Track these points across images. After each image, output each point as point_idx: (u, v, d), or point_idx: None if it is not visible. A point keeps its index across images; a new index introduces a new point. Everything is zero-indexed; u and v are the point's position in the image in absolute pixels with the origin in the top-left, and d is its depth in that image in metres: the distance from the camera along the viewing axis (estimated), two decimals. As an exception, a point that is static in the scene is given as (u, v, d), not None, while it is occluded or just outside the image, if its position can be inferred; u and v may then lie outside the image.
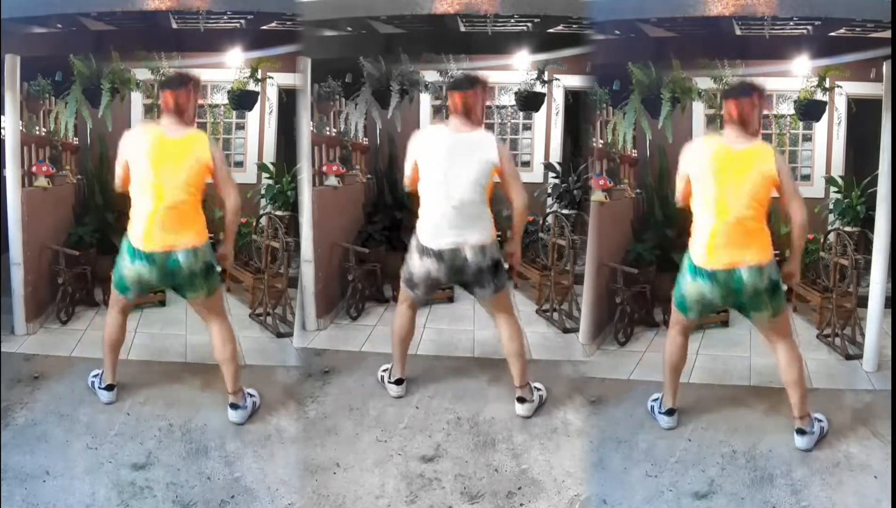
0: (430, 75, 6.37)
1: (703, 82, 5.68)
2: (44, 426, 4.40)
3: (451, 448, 4.30)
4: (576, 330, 5.63)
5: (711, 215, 4.07)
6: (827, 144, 6.22)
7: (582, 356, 5.32)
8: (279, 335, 5.49)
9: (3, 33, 4.91)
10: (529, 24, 5.83)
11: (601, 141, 5.69)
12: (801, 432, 4.26)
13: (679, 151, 4.30)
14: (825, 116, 5.97)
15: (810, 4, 4.90)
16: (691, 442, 4.34)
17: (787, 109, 6.11)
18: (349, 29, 5.98)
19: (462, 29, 5.92)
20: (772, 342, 4.31)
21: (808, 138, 6.26)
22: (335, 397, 4.76)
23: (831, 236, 5.78)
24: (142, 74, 5.87)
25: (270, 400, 4.66)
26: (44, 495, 3.90)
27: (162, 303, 5.82)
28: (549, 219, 6.20)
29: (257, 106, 6.06)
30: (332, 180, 6.03)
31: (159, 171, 4.23)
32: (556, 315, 5.85)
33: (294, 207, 5.58)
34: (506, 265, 4.57)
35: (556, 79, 6.57)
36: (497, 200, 4.47)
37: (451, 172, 4.32)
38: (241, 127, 6.28)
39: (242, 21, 5.49)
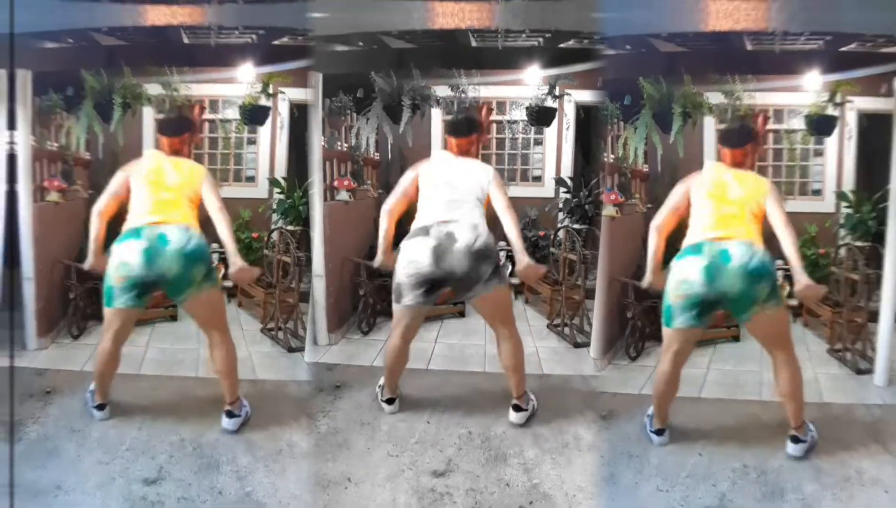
0: (442, 90, 6.37)
1: (714, 97, 5.67)
2: (56, 441, 4.41)
3: (463, 463, 4.30)
4: (587, 345, 5.61)
5: (703, 225, 4.15)
6: (838, 158, 6.20)
7: (593, 370, 5.31)
8: (290, 350, 5.48)
9: (15, 48, 4.94)
10: (540, 39, 5.84)
11: (612, 156, 5.69)
12: (795, 439, 4.28)
13: (690, 167, 4.35)
14: (836, 131, 5.96)
15: (821, 20, 4.91)
16: (702, 457, 4.33)
17: (797, 123, 6.10)
18: (361, 44, 5.99)
19: (473, 44, 5.93)
20: (771, 353, 4.30)
21: (819, 153, 6.25)
22: (346, 411, 4.76)
23: (842, 251, 5.76)
24: (153, 88, 5.88)
25: (282, 415, 4.66)
26: (56, 510, 3.92)
27: (173, 318, 5.83)
28: (561, 234, 6.19)
29: (269, 121, 6.06)
30: (343, 195, 6.03)
31: (156, 180, 4.30)
32: (566, 330, 5.84)
33: (305, 221, 5.59)
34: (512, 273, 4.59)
35: (567, 94, 6.56)
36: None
37: (449, 181, 4.39)
38: (252, 142, 6.28)
39: (254, 36, 5.51)
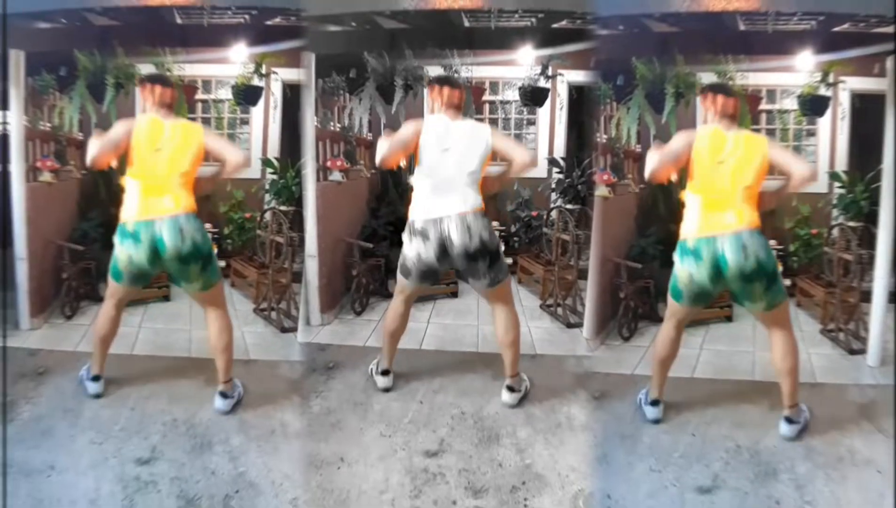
0: (434, 70, 6.36)
1: (707, 77, 5.67)
2: (48, 421, 4.41)
3: (456, 443, 4.31)
4: (580, 325, 5.63)
5: (700, 193, 4.13)
6: (830, 139, 6.21)
7: (586, 350, 5.31)
8: (283, 330, 5.49)
9: (7, 29, 4.92)
10: (533, 20, 5.84)
11: (605, 136, 5.69)
12: (788, 420, 4.29)
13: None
14: (829, 112, 5.96)
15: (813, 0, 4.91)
16: (695, 437, 4.35)
17: (790, 104, 6.10)
18: (353, 24, 5.97)
19: (466, 24, 5.91)
20: (769, 330, 4.31)
21: (811, 134, 6.26)
22: (339, 392, 4.76)
23: (835, 231, 5.78)
24: (146, 69, 5.86)
25: (275, 395, 4.67)
26: (48, 490, 3.92)
27: (166, 298, 5.84)
28: (553, 214, 6.20)
29: (261, 101, 6.05)
30: (336, 175, 6.02)
31: (152, 153, 4.27)
32: (559, 310, 5.85)
33: (298, 202, 5.59)
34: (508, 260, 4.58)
35: (560, 74, 6.57)
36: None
37: (444, 155, 4.36)
38: (245, 122, 6.27)
39: (246, 16, 5.49)
